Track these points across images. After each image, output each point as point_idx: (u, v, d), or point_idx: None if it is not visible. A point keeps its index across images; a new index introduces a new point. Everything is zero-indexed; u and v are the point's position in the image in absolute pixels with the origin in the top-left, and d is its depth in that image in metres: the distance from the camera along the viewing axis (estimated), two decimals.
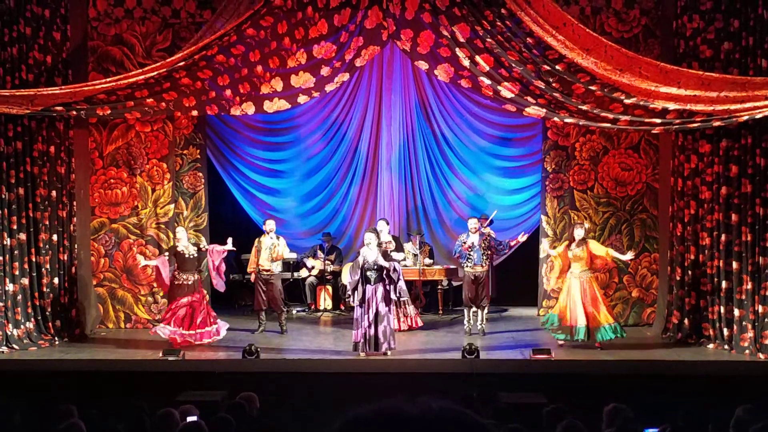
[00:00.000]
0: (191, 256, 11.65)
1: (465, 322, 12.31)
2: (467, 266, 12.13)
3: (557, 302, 11.67)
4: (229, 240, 11.92)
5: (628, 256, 11.70)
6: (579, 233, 11.29)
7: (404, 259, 13.22)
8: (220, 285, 12.08)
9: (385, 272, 10.61)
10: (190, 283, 11.60)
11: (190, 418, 6.46)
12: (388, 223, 13.31)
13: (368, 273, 10.62)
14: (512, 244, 12.38)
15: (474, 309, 12.24)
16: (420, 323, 12.82)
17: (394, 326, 11.19)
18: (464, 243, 12.04)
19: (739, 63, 11.07)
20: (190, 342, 11.38)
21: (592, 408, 7.01)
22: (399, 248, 13.31)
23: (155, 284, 12.59)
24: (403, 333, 12.21)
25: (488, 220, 12.51)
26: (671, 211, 12.18)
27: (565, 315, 11.18)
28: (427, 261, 13.72)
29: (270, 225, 12.51)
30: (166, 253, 11.95)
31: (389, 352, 10.62)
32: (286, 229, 14.13)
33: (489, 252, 12.17)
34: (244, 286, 14.25)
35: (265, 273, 12.35)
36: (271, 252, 12.29)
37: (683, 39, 11.73)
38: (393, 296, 10.82)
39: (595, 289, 11.21)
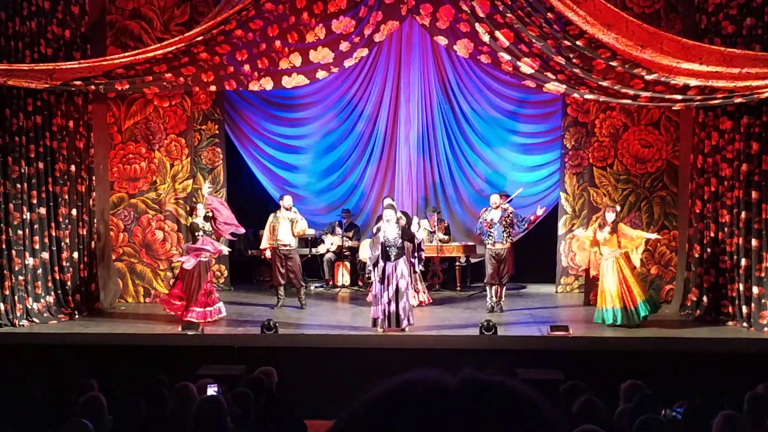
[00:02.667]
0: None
1: (488, 299, 12.20)
2: (488, 243, 12.01)
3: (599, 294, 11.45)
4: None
5: (655, 235, 11.92)
6: (610, 217, 11.16)
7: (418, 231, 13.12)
8: (188, 263, 11.46)
9: (415, 245, 10.69)
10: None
11: (209, 391, 6.51)
12: (393, 199, 13.10)
13: (389, 249, 10.62)
14: (532, 219, 12.27)
15: (495, 287, 12.20)
16: (429, 300, 12.84)
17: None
18: (485, 219, 11.94)
19: (761, 39, 10.93)
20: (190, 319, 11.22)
21: (609, 385, 7.01)
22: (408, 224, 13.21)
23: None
24: (421, 309, 12.23)
25: (510, 199, 12.45)
26: (691, 188, 12.09)
27: (604, 300, 11.14)
28: (443, 237, 13.68)
29: (287, 201, 12.49)
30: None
31: (407, 328, 10.65)
32: (304, 205, 14.12)
33: (510, 229, 12.08)
34: (263, 262, 14.26)
35: (284, 248, 12.36)
36: (292, 227, 12.30)
37: (705, 14, 11.59)
38: (418, 268, 10.94)
39: (623, 268, 11.11)
